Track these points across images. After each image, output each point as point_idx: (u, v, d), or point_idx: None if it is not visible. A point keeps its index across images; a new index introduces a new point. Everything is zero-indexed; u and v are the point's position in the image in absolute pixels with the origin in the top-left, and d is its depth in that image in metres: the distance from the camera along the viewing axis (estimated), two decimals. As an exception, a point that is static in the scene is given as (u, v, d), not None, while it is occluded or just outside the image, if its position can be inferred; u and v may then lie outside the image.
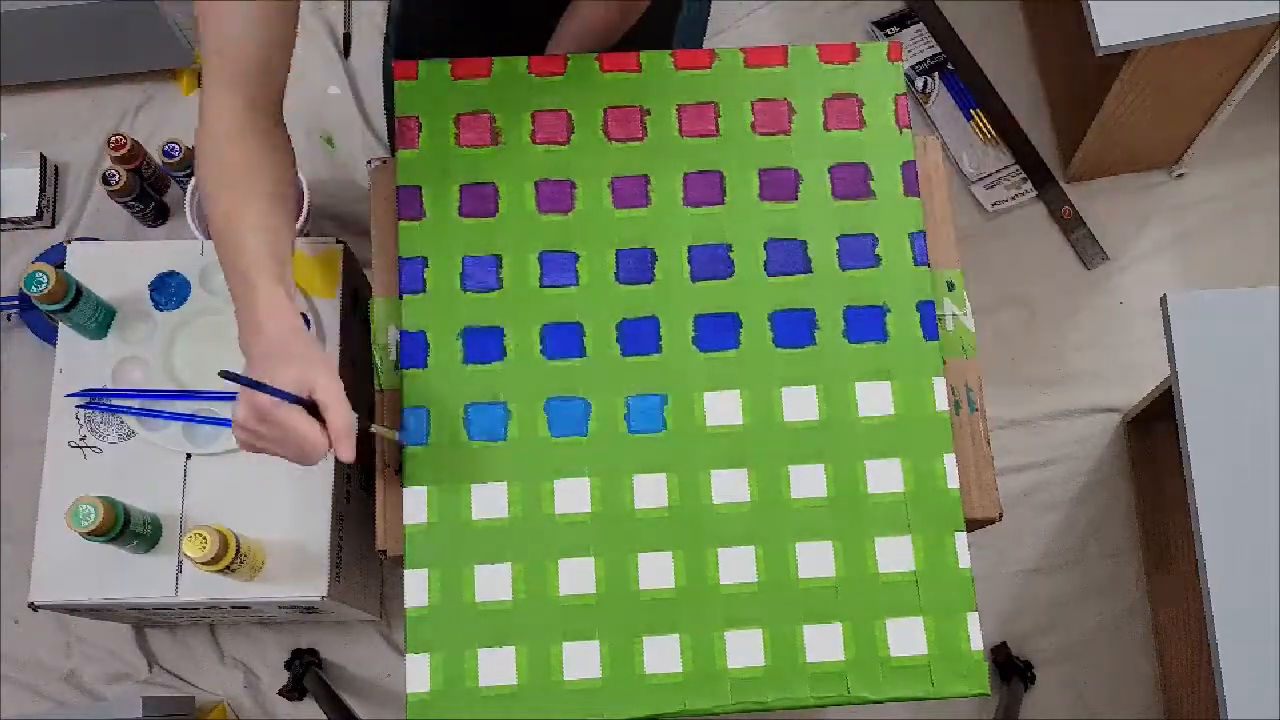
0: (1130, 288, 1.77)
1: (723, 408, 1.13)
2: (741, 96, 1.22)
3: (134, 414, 1.29)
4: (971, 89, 1.85)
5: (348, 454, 0.98)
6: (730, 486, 1.11)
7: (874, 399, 1.14)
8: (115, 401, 1.29)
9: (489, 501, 1.10)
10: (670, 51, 1.23)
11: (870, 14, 1.92)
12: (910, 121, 1.23)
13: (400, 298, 1.16)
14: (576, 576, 1.09)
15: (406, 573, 1.09)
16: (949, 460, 1.12)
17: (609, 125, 1.21)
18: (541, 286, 1.16)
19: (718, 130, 1.21)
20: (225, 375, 0.95)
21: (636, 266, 1.17)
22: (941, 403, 1.14)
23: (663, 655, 1.07)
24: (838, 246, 1.18)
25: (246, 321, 1.00)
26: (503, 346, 1.14)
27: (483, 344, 1.14)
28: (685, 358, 1.14)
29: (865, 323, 1.16)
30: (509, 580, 1.09)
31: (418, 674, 1.06)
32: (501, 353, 1.14)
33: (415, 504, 1.10)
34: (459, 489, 1.11)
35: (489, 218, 1.18)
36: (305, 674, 1.53)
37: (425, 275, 1.16)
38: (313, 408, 0.97)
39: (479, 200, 1.18)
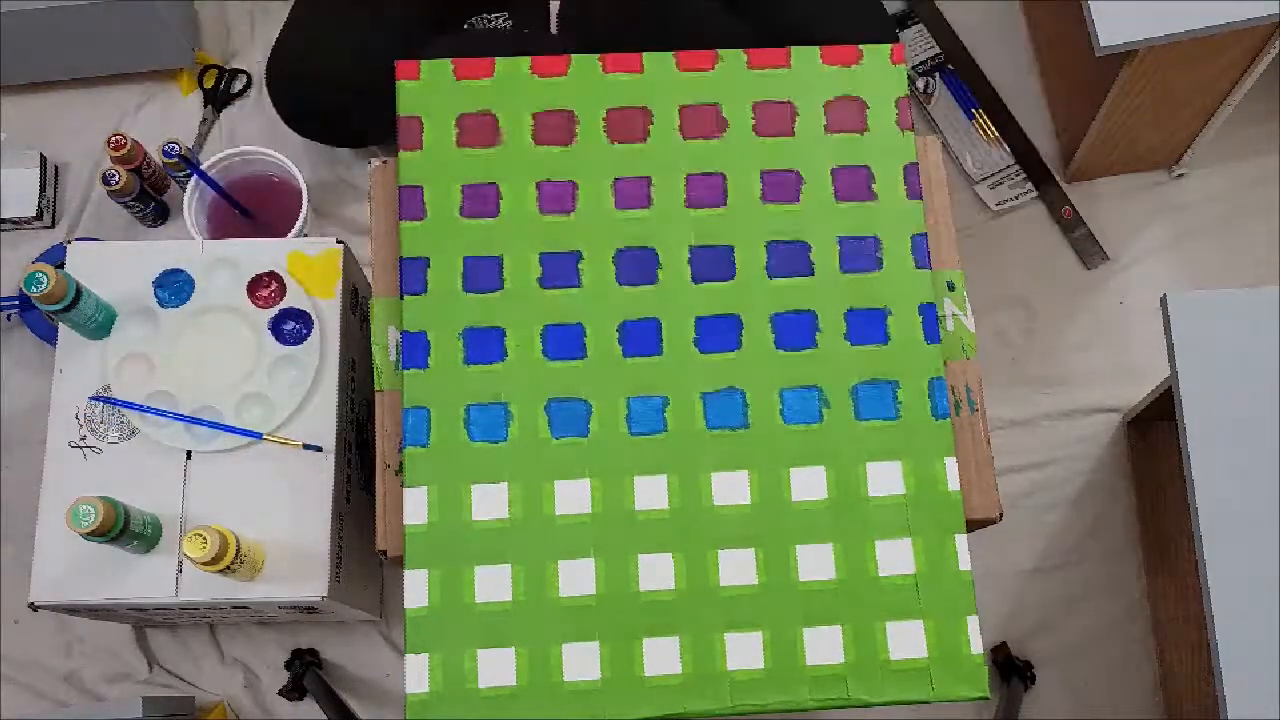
0: (1130, 288, 1.77)
1: (723, 410, 1.13)
2: (744, 98, 1.22)
3: (136, 408, 1.29)
4: (972, 89, 1.85)
5: None
6: (731, 488, 1.11)
7: (875, 401, 1.14)
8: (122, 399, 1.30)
9: (489, 502, 1.11)
10: (673, 53, 1.23)
11: (870, 14, 1.92)
12: (913, 124, 1.23)
13: (401, 298, 1.16)
14: (577, 578, 1.09)
15: (406, 573, 1.09)
16: (950, 463, 1.13)
17: (611, 126, 1.21)
18: (543, 287, 1.16)
19: (720, 132, 1.21)
20: None
21: (638, 268, 1.17)
22: (943, 406, 1.14)
23: (663, 657, 1.07)
24: (839, 249, 1.18)
25: None
26: (504, 347, 1.14)
27: (484, 344, 1.14)
28: (686, 359, 1.14)
29: (866, 325, 1.16)
30: (509, 581, 1.09)
31: (417, 674, 1.06)
32: (502, 353, 1.14)
33: (415, 504, 1.10)
34: (459, 489, 1.11)
35: (490, 218, 1.18)
36: (305, 674, 1.53)
37: (427, 276, 1.16)
38: None
39: (480, 201, 1.18)
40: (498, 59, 1.22)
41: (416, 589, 1.08)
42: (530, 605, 1.08)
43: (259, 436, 1.28)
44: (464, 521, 1.10)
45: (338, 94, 1.59)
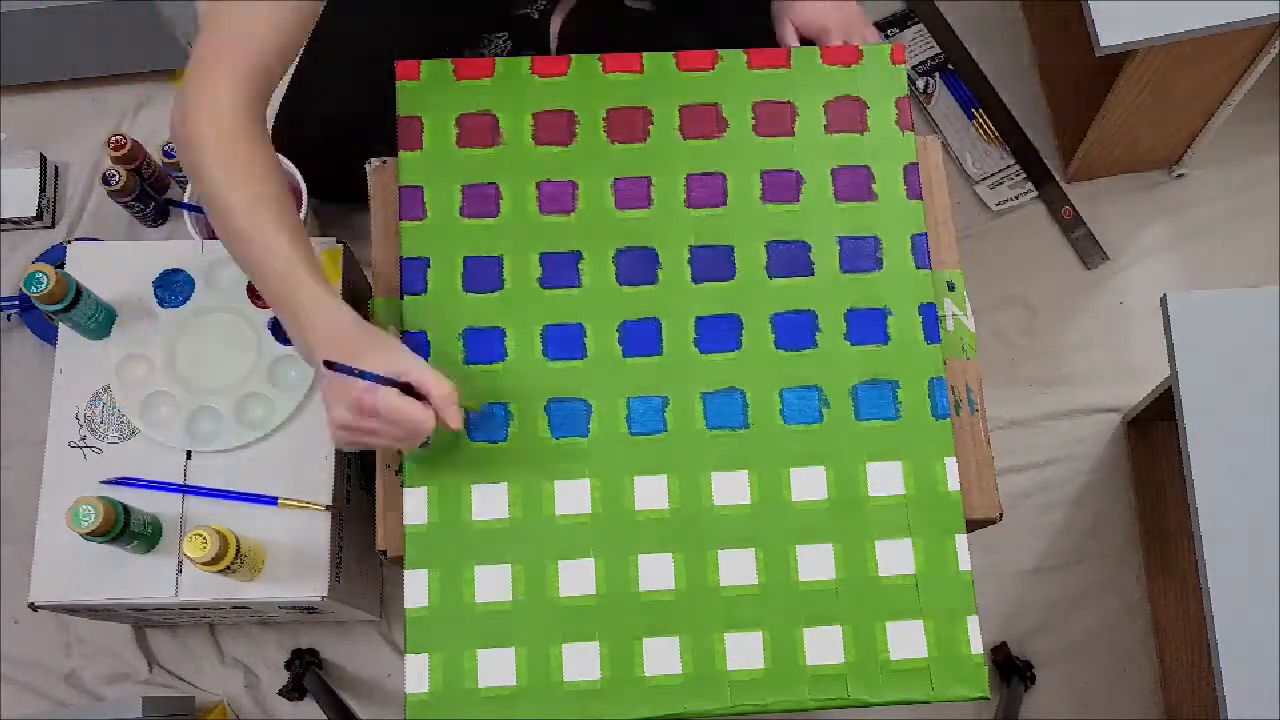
0: (1130, 288, 1.77)
1: (723, 410, 1.13)
2: (744, 98, 1.22)
3: (144, 486, 1.29)
4: (972, 89, 1.85)
5: (455, 422, 1.00)
6: (731, 488, 1.11)
7: (875, 401, 1.14)
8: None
9: (489, 502, 1.10)
10: (673, 53, 1.23)
11: (870, 15, 1.91)
12: (913, 124, 1.23)
13: (401, 298, 1.16)
14: (576, 578, 1.09)
15: (406, 573, 1.09)
16: (950, 464, 1.12)
17: (611, 126, 1.21)
18: (543, 287, 1.16)
19: (720, 132, 1.21)
20: (330, 365, 0.96)
21: (638, 268, 1.17)
22: (943, 406, 1.14)
23: (662, 657, 1.07)
24: (839, 249, 1.18)
25: (307, 324, 0.99)
26: (504, 347, 1.14)
27: (484, 345, 1.14)
28: (686, 359, 1.14)
29: (866, 325, 1.16)
30: (509, 581, 1.09)
31: (417, 674, 1.06)
32: (502, 354, 1.14)
33: (415, 505, 1.10)
34: (459, 490, 1.11)
35: (490, 218, 1.18)
36: (305, 674, 1.53)
37: (427, 276, 1.16)
38: (406, 387, 0.98)
39: (480, 201, 1.18)
40: (497, 59, 1.22)
41: (416, 589, 1.08)
42: (530, 605, 1.08)
43: (273, 502, 1.28)
44: (464, 521, 1.10)
45: (346, 155, 1.51)
